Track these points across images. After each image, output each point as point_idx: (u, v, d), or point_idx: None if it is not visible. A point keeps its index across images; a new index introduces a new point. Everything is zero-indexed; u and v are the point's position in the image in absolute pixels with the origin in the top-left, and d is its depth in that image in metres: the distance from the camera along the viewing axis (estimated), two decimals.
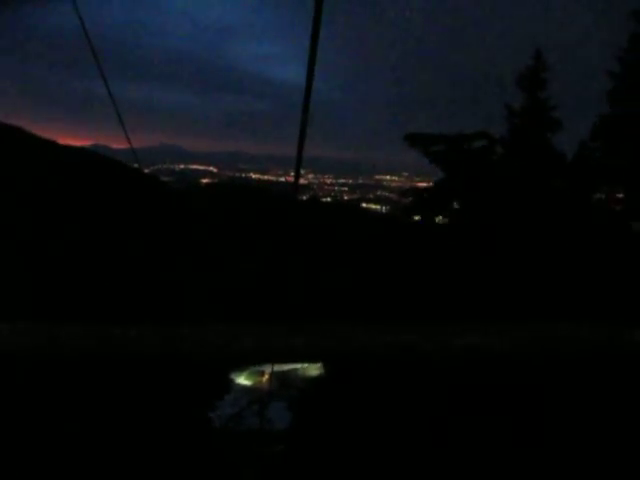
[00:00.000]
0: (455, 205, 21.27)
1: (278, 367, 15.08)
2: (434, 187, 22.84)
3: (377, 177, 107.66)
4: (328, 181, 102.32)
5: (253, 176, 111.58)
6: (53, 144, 29.79)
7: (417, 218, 23.51)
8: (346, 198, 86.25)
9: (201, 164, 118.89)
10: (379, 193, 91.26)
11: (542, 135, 18.06)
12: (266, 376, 16.14)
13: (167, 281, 16.17)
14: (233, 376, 15.70)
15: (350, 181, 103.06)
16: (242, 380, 16.07)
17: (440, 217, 22.58)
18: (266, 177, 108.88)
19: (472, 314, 10.70)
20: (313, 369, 13.33)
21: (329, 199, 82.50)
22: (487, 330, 3.13)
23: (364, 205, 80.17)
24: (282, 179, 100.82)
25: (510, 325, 3.19)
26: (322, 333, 2.66)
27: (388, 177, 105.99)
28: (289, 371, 14.46)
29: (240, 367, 15.54)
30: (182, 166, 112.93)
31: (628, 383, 7.18)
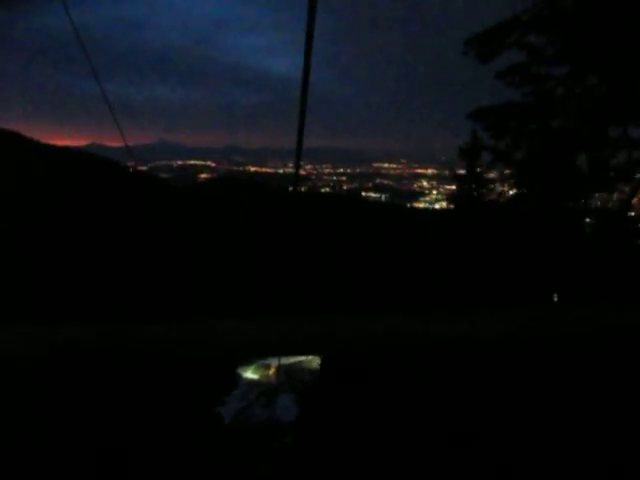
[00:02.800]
0: None
1: (284, 360, 15.37)
2: None
3: (375, 165, 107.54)
4: (326, 171, 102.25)
5: (251, 169, 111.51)
6: (50, 147, 29.93)
7: None
8: (345, 187, 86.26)
9: (199, 159, 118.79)
10: (378, 181, 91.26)
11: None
12: (272, 369, 16.46)
13: (169, 280, 16.39)
14: (240, 371, 16.03)
15: (348, 170, 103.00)
16: (249, 374, 16.38)
17: None
18: (264, 169, 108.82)
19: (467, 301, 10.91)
20: (317, 361, 13.61)
21: (328, 189, 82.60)
22: (476, 317, 3.18)
23: (363, 194, 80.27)
24: (280, 171, 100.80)
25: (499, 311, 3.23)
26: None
27: (386, 165, 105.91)
28: (294, 364, 14.76)
29: (247, 361, 15.86)
30: (180, 162, 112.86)
31: (616, 367, 7.41)
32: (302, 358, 14.74)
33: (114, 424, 8.28)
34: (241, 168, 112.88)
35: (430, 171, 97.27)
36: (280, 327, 2.90)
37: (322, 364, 11.63)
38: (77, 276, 15.28)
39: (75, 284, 14.77)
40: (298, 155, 2.17)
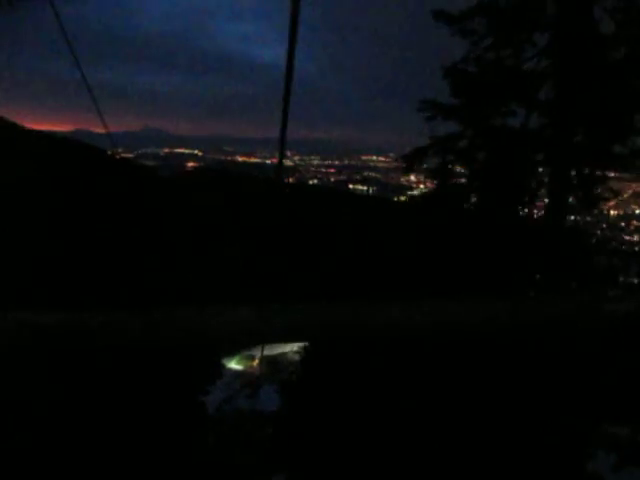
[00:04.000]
0: None
1: (268, 351, 15.51)
2: None
3: (364, 158, 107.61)
4: (314, 162, 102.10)
5: (239, 159, 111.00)
6: (35, 133, 29.47)
7: None
8: (332, 180, 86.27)
9: (186, 148, 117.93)
10: (366, 174, 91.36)
11: None
12: (256, 360, 16.58)
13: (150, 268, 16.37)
14: (224, 361, 16.13)
15: (336, 162, 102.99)
16: (233, 365, 16.49)
17: None
18: (252, 159, 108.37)
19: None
20: (299, 352, 13.75)
21: (316, 181, 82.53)
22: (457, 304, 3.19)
23: (351, 186, 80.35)
24: (268, 161, 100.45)
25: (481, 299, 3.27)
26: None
27: (374, 157, 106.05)
28: (278, 355, 14.90)
29: (231, 352, 15.96)
30: (167, 150, 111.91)
31: (598, 354, 7.65)
32: (286, 349, 14.87)
33: (96, 414, 8.32)
34: (229, 158, 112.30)
35: None
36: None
37: (305, 355, 11.76)
38: (53, 261, 15.15)
39: (50, 269, 14.65)
40: (282, 145, 2.19)
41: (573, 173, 12.40)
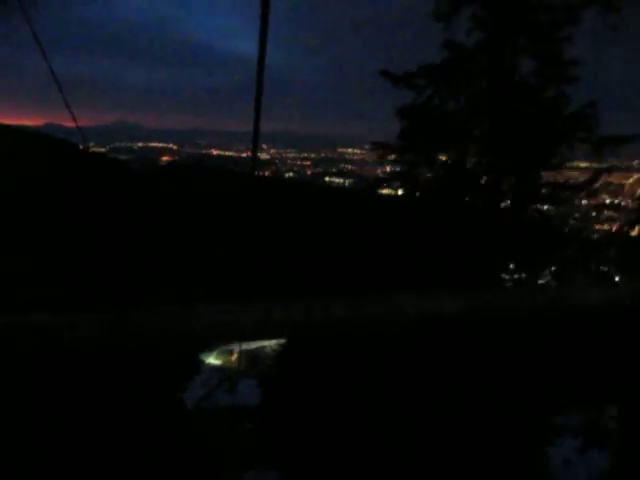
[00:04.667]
0: None
1: (246, 345, 15.43)
2: None
3: (340, 150, 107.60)
4: (290, 155, 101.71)
5: (214, 152, 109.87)
6: (3, 127, 28.69)
7: None
8: (309, 172, 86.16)
9: (161, 141, 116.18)
10: (342, 166, 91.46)
11: None
12: (235, 355, 16.51)
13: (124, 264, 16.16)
14: (203, 357, 16.01)
15: (313, 155, 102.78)
16: (212, 360, 16.38)
17: None
18: (227, 153, 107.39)
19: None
20: (279, 346, 13.73)
21: (292, 174, 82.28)
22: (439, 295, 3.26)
23: (327, 179, 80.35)
24: (244, 155, 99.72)
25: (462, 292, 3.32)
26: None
27: (350, 150, 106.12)
28: (256, 349, 14.83)
29: (210, 347, 15.84)
30: (141, 144, 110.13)
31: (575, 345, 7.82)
32: (265, 343, 14.83)
33: (66, 416, 8.16)
34: (204, 151, 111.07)
35: (394, 157, 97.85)
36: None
37: (283, 349, 11.77)
38: (16, 259, 14.80)
39: (12, 268, 14.33)
40: (255, 138, 2.17)
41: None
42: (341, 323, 2.73)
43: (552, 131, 13.52)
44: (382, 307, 2.72)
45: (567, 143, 13.38)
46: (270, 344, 14.58)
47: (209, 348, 16.53)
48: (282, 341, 12.63)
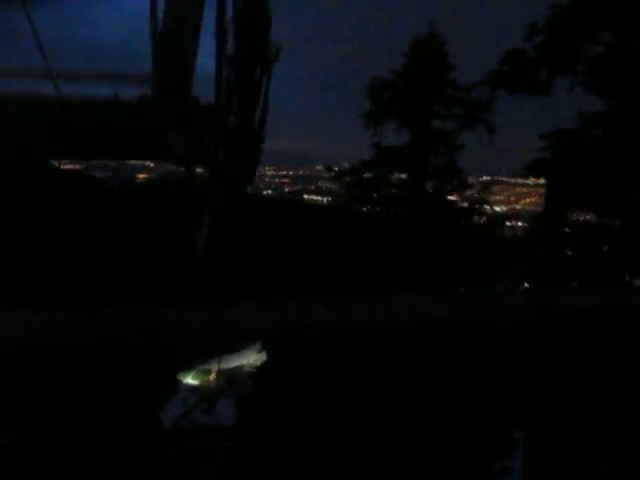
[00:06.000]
0: None
1: (224, 365, 15.33)
2: None
3: (318, 168, 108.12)
4: (269, 173, 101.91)
5: None
6: None
7: None
8: (287, 190, 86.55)
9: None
10: (320, 184, 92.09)
11: None
12: (213, 374, 16.36)
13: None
14: (180, 376, 15.83)
15: (291, 172, 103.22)
16: (189, 379, 16.20)
17: None
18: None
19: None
20: (258, 365, 13.72)
21: (270, 192, 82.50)
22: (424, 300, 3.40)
23: (305, 196, 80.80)
24: None
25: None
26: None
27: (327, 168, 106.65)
28: (235, 368, 14.77)
29: (187, 367, 15.67)
30: (118, 162, 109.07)
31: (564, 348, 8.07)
32: (243, 362, 14.78)
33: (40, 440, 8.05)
34: (182, 169, 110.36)
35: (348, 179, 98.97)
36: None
37: (262, 367, 11.80)
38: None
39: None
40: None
41: None
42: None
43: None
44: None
45: None
46: (248, 362, 14.55)
47: (187, 367, 16.39)
48: (261, 358, 12.67)
